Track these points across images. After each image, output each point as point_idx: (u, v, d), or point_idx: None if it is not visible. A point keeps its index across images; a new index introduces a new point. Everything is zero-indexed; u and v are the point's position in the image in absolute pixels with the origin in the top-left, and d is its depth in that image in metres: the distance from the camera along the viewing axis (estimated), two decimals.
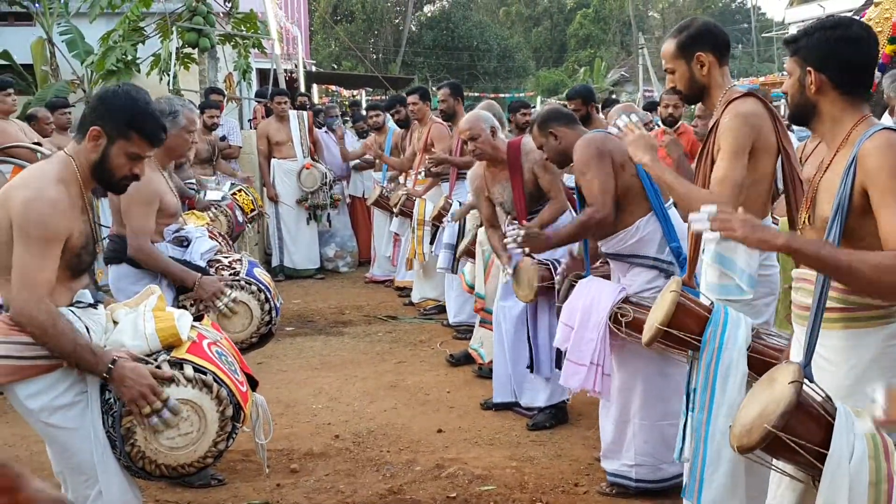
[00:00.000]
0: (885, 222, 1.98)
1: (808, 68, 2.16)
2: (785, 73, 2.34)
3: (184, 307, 3.39)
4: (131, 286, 3.55)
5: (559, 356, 4.05)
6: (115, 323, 2.61)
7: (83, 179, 2.51)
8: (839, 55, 2.14)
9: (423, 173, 7.17)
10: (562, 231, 3.97)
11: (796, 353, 2.27)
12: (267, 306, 3.65)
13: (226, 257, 3.79)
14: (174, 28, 10.17)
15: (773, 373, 2.08)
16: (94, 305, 2.58)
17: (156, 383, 2.39)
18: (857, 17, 6.19)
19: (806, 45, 2.18)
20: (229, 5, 11.24)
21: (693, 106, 4.57)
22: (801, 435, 1.90)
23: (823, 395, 1.99)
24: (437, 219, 6.65)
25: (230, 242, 4.29)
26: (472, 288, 5.61)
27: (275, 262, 8.83)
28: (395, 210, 7.44)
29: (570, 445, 4.29)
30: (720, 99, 2.85)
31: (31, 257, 2.33)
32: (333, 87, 22.87)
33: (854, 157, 2.04)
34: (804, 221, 2.24)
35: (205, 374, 2.53)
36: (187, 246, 3.70)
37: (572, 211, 4.84)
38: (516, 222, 4.61)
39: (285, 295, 7.34)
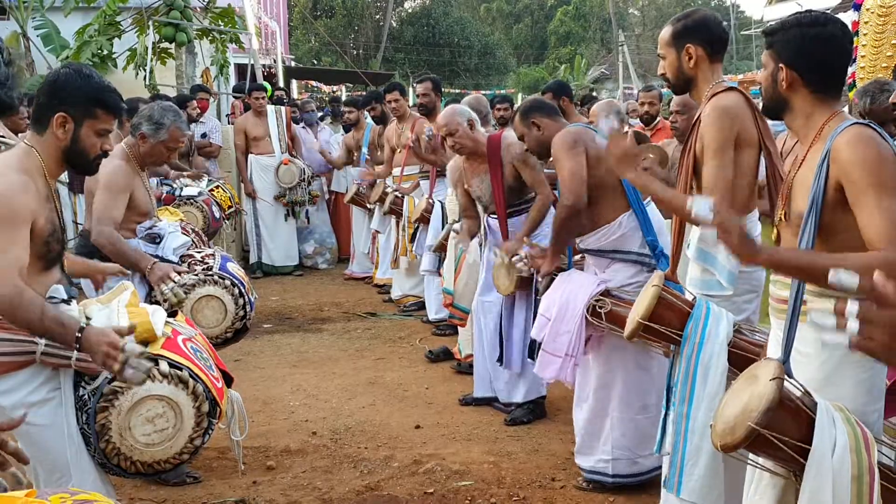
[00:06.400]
0: (866, 224, 1.96)
1: (780, 65, 2.15)
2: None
3: (157, 303, 3.36)
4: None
5: (533, 347, 4.06)
6: (89, 319, 2.58)
7: (49, 169, 2.50)
8: (812, 54, 2.12)
9: (408, 169, 7.12)
10: (551, 238, 3.94)
11: (774, 347, 2.27)
12: (241, 301, 3.63)
13: (199, 252, 3.78)
14: (151, 22, 10.08)
15: (753, 369, 2.08)
16: (67, 301, 2.55)
17: (116, 338, 2.31)
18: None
19: (781, 40, 2.17)
20: (206, 0, 11.16)
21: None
22: (784, 431, 1.90)
23: (802, 389, 2.00)
24: (420, 220, 6.55)
25: (204, 239, 4.26)
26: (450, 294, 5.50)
27: (252, 258, 8.76)
28: (370, 206, 7.36)
29: (548, 440, 4.30)
30: (706, 93, 2.86)
31: None
32: (314, 83, 22.75)
33: (827, 151, 2.05)
34: (780, 218, 2.24)
35: (180, 369, 2.53)
36: (160, 242, 3.68)
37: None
38: (494, 216, 4.61)
39: (263, 292, 7.30)
